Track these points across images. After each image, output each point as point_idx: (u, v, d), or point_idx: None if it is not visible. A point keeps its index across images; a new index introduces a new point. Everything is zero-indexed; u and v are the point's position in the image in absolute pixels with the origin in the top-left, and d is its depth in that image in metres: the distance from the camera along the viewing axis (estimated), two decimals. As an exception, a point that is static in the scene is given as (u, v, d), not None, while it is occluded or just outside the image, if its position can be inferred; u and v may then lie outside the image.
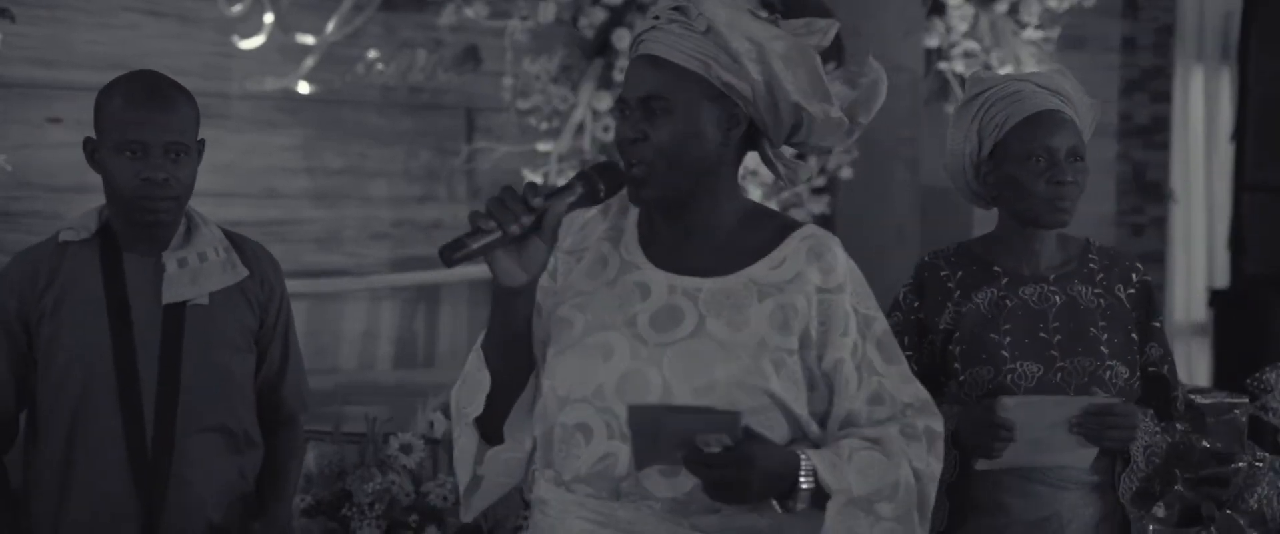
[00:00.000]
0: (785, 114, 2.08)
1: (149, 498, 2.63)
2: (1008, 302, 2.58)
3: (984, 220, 6.21)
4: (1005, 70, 5.94)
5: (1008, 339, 2.55)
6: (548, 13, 5.33)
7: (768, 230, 2.11)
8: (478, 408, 2.04)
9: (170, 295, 2.64)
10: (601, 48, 5.44)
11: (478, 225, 1.96)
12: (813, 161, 6.30)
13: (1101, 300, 2.60)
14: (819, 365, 2.05)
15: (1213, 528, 2.55)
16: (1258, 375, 2.79)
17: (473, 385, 2.06)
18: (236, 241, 2.74)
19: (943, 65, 6.01)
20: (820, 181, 5.72)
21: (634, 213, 2.13)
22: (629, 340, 2.03)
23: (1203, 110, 7.10)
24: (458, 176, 5.83)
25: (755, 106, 2.06)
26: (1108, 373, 2.54)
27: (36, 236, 2.87)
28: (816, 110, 2.09)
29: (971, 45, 5.98)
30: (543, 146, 5.46)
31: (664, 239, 2.09)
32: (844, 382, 2.05)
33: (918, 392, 2.10)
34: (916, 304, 2.62)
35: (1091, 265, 2.63)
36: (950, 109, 6.06)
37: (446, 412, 3.51)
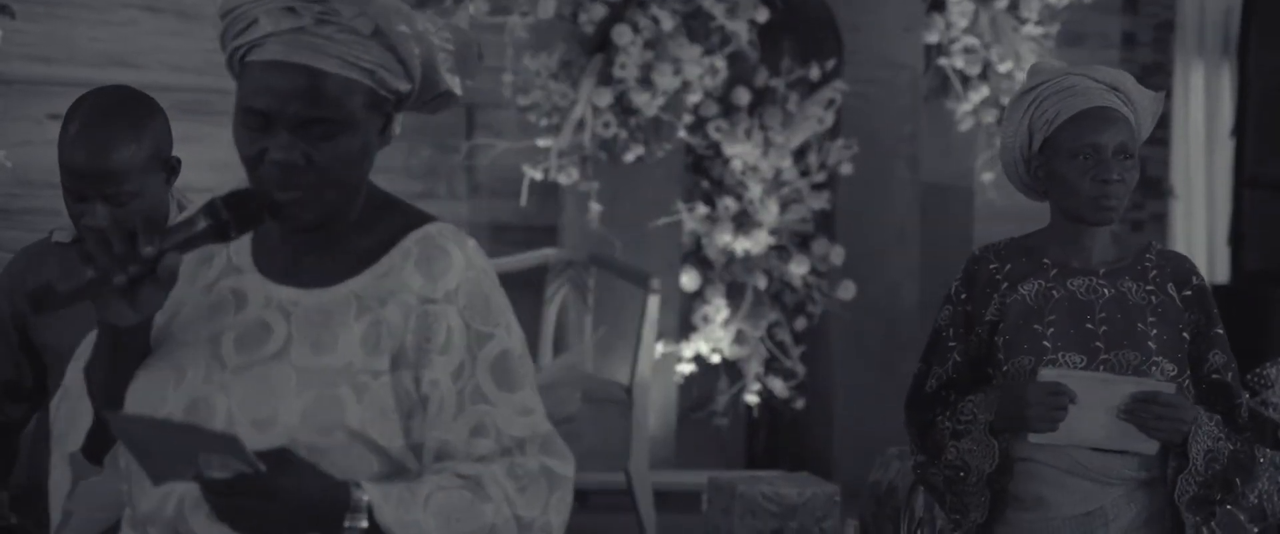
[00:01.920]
0: (428, 96, 1.89)
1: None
2: (1054, 292, 2.57)
3: (986, 219, 6.20)
4: (1004, 66, 5.93)
5: (1051, 329, 2.54)
6: (548, 9, 5.33)
7: (386, 231, 1.82)
8: (77, 441, 1.77)
9: (167, 293, 2.62)
10: (602, 44, 5.43)
11: (79, 269, 1.66)
12: (812, 158, 6.23)
13: (1152, 297, 2.57)
14: (417, 388, 1.74)
15: (1214, 523, 2.54)
16: (1258, 371, 2.79)
17: (73, 413, 1.79)
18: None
19: (942, 61, 6.00)
20: (820, 178, 5.71)
21: None
22: (206, 361, 1.74)
23: (1203, 106, 7.09)
24: (458, 173, 5.82)
25: (408, 99, 1.86)
26: (1153, 368, 2.52)
27: (36, 234, 2.87)
28: (455, 87, 1.92)
29: (971, 41, 5.97)
30: (543, 143, 5.45)
31: (274, 238, 1.79)
32: (437, 406, 1.73)
33: (537, 425, 1.76)
34: (964, 297, 2.61)
35: (1146, 263, 2.61)
36: (950, 105, 6.05)
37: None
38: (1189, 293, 2.60)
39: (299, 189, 1.74)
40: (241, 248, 1.81)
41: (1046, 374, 2.47)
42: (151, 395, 1.75)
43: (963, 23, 5.94)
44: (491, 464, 1.73)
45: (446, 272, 1.79)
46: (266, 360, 1.74)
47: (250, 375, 1.73)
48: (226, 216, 1.72)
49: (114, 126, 2.51)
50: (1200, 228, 7.13)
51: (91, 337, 1.81)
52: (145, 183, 2.52)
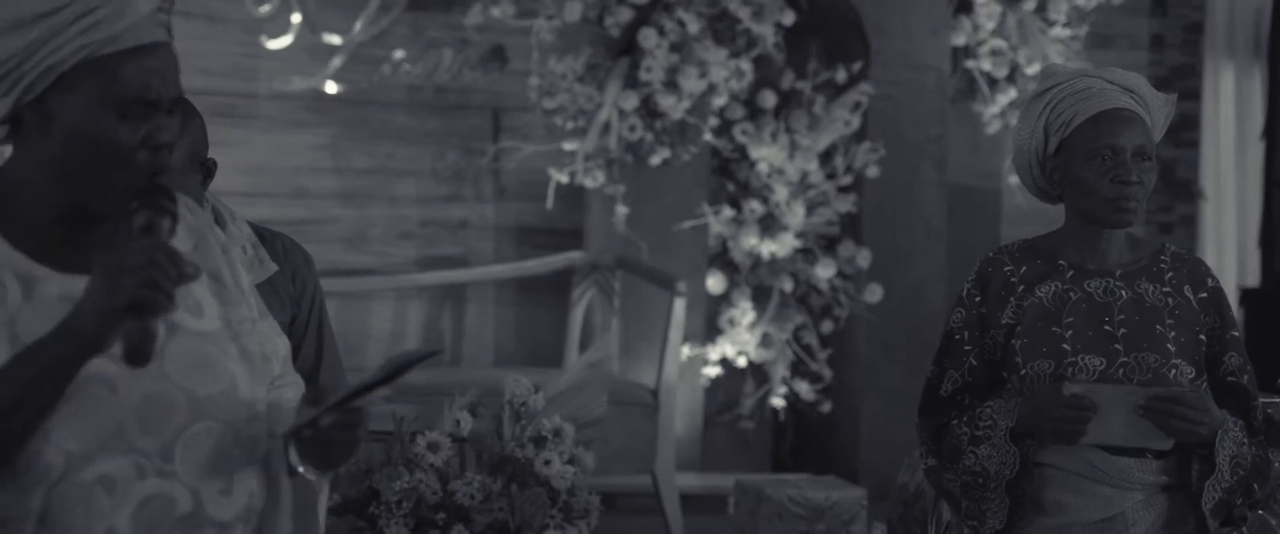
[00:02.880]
0: None
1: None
2: (1072, 294, 2.56)
3: (1013, 221, 6.19)
4: (1032, 69, 5.91)
5: (1070, 332, 2.53)
6: (573, 12, 5.33)
7: None
8: None
9: (199, 295, 2.64)
10: (627, 47, 5.44)
11: (152, 303, 1.64)
12: (838, 161, 6.20)
13: (1169, 299, 2.56)
14: None
15: (1244, 528, 2.53)
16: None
17: None
18: (265, 236, 2.73)
19: (970, 63, 5.99)
20: (846, 181, 5.71)
21: None
22: (109, 362, 1.67)
23: (1233, 108, 7.06)
24: (484, 176, 5.83)
25: None
26: (1172, 370, 2.51)
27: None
28: None
29: (999, 43, 5.95)
30: (569, 146, 5.46)
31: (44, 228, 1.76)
32: None
33: None
34: (979, 299, 2.60)
35: (1161, 265, 2.60)
36: (977, 107, 6.04)
37: (474, 411, 3.52)
38: (1205, 295, 2.59)
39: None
40: None
41: (1071, 387, 2.45)
42: (94, 412, 1.68)
43: (990, 25, 5.92)
44: None
45: None
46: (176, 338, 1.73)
47: (175, 356, 1.72)
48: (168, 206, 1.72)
49: None
50: (1230, 230, 7.10)
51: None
52: (183, 184, 2.54)
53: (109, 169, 1.70)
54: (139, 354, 1.62)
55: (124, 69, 1.69)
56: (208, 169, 2.64)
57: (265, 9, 5.44)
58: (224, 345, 1.76)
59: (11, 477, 1.65)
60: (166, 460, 1.71)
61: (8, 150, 1.78)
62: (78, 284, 1.68)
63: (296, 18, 5.50)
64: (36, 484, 1.66)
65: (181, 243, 1.78)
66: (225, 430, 1.75)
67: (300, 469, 1.79)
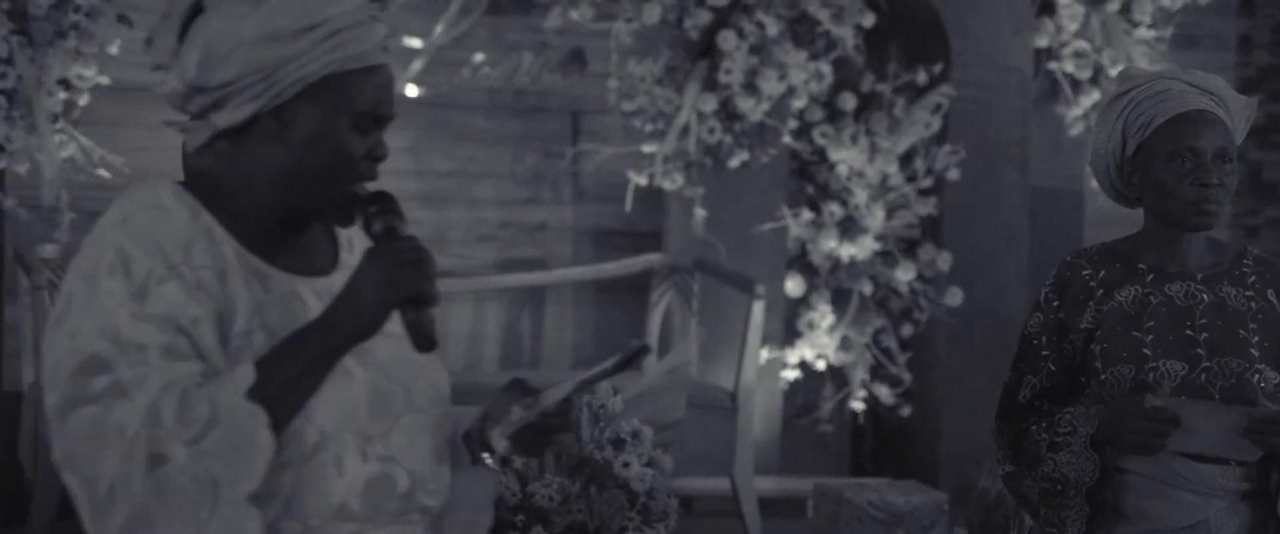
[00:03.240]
0: None
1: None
2: (1152, 298, 2.53)
3: (1097, 224, 6.11)
4: (1116, 71, 5.85)
5: (1151, 337, 2.50)
6: (652, 14, 5.34)
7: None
8: (255, 481, 1.72)
9: (281, 296, 2.67)
10: (706, 49, 5.43)
11: (430, 295, 1.82)
12: (919, 163, 6.20)
13: (1252, 303, 2.53)
14: None
15: None
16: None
17: (245, 454, 1.72)
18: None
19: (1052, 65, 5.93)
20: (927, 183, 5.67)
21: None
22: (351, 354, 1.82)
23: (1322, 109, 6.94)
24: (563, 179, 5.85)
25: None
26: (1255, 375, 2.47)
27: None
28: None
29: (1082, 45, 5.89)
30: (648, 148, 5.46)
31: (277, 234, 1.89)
32: None
33: None
34: (1057, 304, 2.57)
35: (1244, 268, 2.57)
36: (1059, 109, 5.98)
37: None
38: None
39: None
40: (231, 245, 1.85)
41: (1153, 400, 2.42)
42: (339, 397, 1.81)
43: (1073, 26, 5.86)
44: None
45: None
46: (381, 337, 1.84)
47: (381, 358, 1.86)
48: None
49: None
50: (1318, 234, 6.98)
51: (236, 370, 1.75)
52: None
53: (335, 177, 1.84)
54: (429, 340, 1.78)
55: (362, 85, 1.83)
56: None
57: (347, 13, 5.49)
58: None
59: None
60: (386, 446, 1.84)
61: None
62: (296, 282, 1.84)
63: (378, 21, 5.54)
64: (291, 462, 1.78)
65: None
66: (430, 422, 1.90)
67: (488, 461, 1.93)
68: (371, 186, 1.88)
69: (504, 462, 1.94)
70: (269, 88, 1.81)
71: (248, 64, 1.80)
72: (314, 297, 1.85)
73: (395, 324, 1.81)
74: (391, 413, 1.85)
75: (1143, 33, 5.92)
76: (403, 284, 1.77)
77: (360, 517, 1.82)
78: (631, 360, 1.88)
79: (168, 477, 1.68)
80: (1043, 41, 5.87)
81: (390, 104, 1.87)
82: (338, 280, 1.86)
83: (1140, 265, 2.56)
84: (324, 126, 1.82)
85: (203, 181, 1.86)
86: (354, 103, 1.83)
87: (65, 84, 4.75)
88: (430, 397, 1.90)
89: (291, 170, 1.83)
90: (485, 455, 1.94)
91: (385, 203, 1.85)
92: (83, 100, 4.80)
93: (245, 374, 1.74)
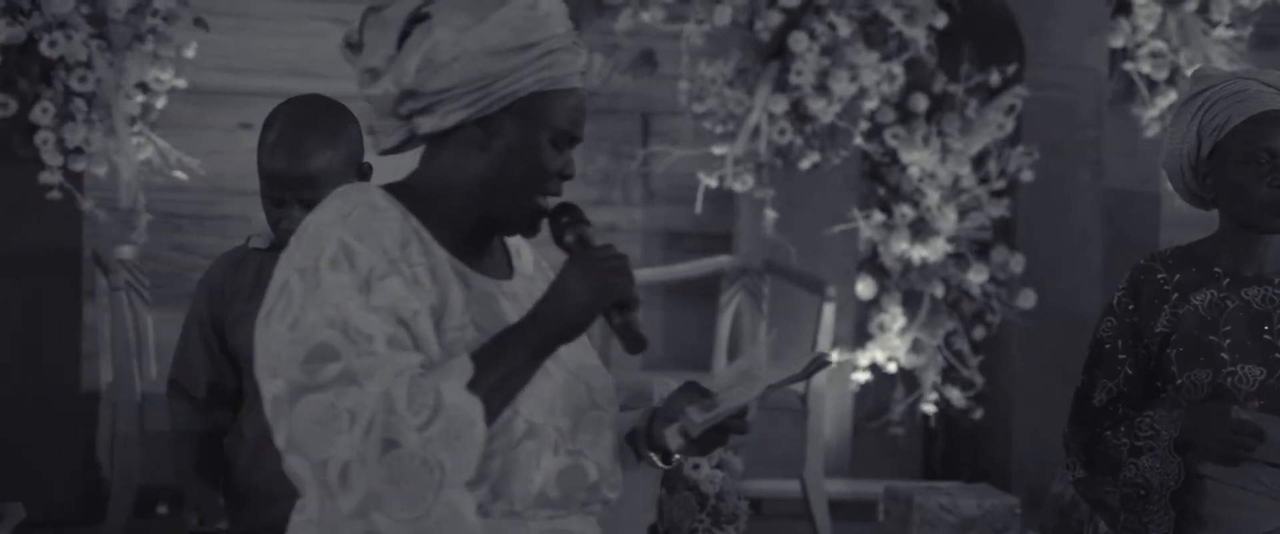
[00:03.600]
0: None
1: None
2: (1229, 302, 2.50)
3: (1173, 225, 6.04)
4: (1192, 71, 5.78)
5: (1228, 341, 2.47)
6: (723, 16, 5.33)
7: None
8: (472, 468, 1.83)
9: (354, 297, 2.69)
10: (778, 50, 5.42)
11: (635, 299, 1.94)
12: (992, 165, 6.18)
13: None
14: None
15: None
16: None
17: (465, 442, 1.81)
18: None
19: (1128, 66, 5.87)
20: (1000, 185, 5.63)
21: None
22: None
23: (1404, 110, 6.82)
24: (633, 180, 5.86)
25: None
26: None
27: (228, 240, 2.96)
28: None
29: (1158, 45, 5.83)
30: (718, 150, 5.46)
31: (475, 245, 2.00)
32: None
33: None
34: (1131, 308, 2.55)
35: None
36: (1135, 110, 5.92)
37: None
38: None
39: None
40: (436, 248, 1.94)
41: (1239, 413, 2.38)
42: (541, 392, 1.92)
43: (1150, 26, 5.80)
44: None
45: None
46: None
47: (566, 359, 1.97)
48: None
49: (312, 133, 2.60)
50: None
51: (454, 363, 1.84)
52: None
53: (530, 188, 1.94)
54: (640, 342, 1.90)
55: (564, 104, 1.93)
56: (363, 172, 2.69)
57: (419, 16, 5.53)
58: (590, 351, 2.05)
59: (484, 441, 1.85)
60: (574, 441, 1.95)
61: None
62: (488, 284, 1.94)
63: (450, 24, 5.58)
64: (500, 450, 1.88)
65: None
66: (609, 420, 2.00)
67: (656, 459, 2.02)
68: (552, 200, 1.97)
69: (667, 459, 2.03)
70: (482, 98, 1.89)
71: (466, 74, 1.88)
72: (505, 298, 1.95)
73: None
74: (579, 409, 1.96)
75: (1221, 32, 5.85)
76: (610, 290, 1.89)
77: (555, 504, 1.93)
78: (814, 370, 2.02)
79: (399, 460, 1.77)
80: (1118, 41, 5.81)
81: (582, 126, 1.96)
82: (519, 285, 1.99)
83: (1216, 269, 2.53)
84: (526, 140, 1.91)
85: (404, 186, 1.96)
86: (554, 121, 1.92)
87: (143, 87, 4.81)
88: (608, 396, 2.01)
89: (490, 179, 1.92)
90: (651, 454, 2.03)
91: (575, 214, 1.96)
92: (160, 103, 4.86)
93: (465, 367, 1.83)
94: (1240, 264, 2.53)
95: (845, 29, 5.33)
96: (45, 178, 4.71)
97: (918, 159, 5.56)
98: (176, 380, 2.78)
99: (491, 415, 1.84)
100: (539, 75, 1.90)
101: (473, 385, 1.82)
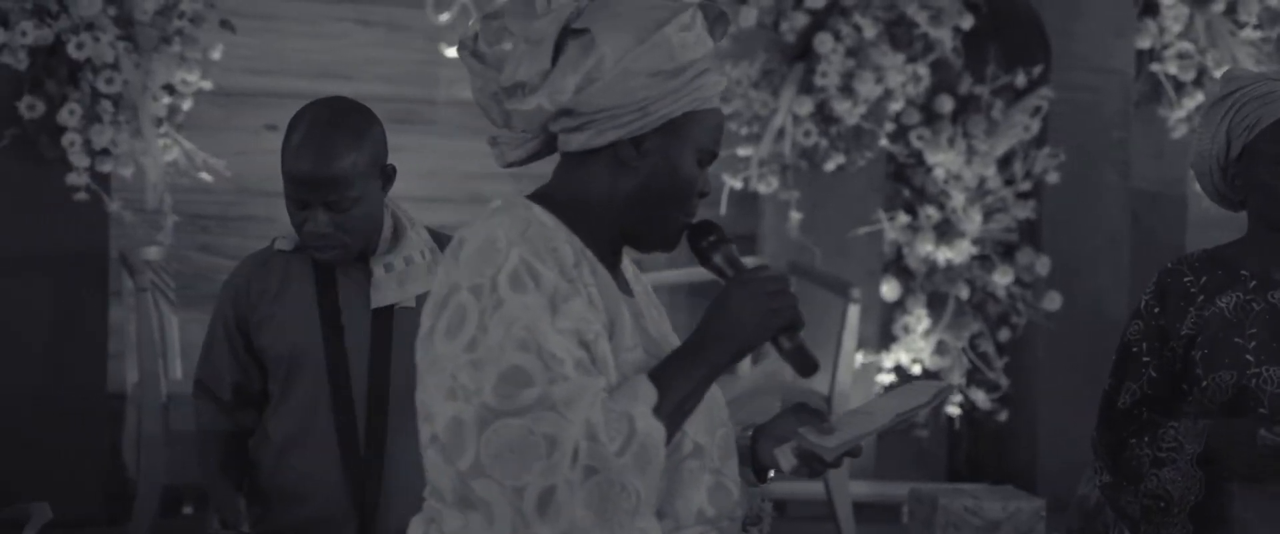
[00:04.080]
0: None
1: (362, 499, 2.69)
2: (1255, 305, 2.49)
3: (1200, 227, 6.00)
4: (1219, 72, 5.75)
5: (1253, 343, 2.46)
6: (749, 17, 5.33)
7: None
8: (657, 492, 1.87)
9: (378, 299, 2.70)
10: (803, 52, 5.41)
11: (802, 322, 1.95)
12: (1017, 166, 6.13)
13: None
14: None
15: None
16: None
17: (653, 466, 1.84)
18: (443, 241, 2.78)
19: (1155, 67, 5.84)
20: (1025, 186, 5.61)
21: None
22: None
23: None
24: (658, 181, 5.86)
25: None
26: None
27: (254, 241, 2.96)
28: None
29: (1186, 46, 5.80)
30: (743, 151, 5.45)
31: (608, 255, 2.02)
32: None
33: None
34: (1157, 311, 2.54)
35: None
36: (1162, 112, 5.89)
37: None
38: None
39: None
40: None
41: (1268, 439, 2.37)
42: (701, 412, 1.93)
43: (1177, 27, 5.77)
44: None
45: None
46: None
47: None
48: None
49: (336, 135, 2.60)
50: None
51: (638, 386, 1.85)
52: (365, 189, 2.61)
53: (673, 206, 1.95)
54: (813, 364, 1.90)
55: (711, 125, 1.96)
56: (387, 174, 2.70)
57: (445, 17, 5.53)
58: None
59: None
60: (710, 457, 1.96)
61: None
62: (631, 302, 1.95)
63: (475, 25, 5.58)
64: (668, 470, 1.90)
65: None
66: (733, 434, 2.02)
67: (749, 474, 2.03)
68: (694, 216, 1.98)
69: (760, 475, 2.03)
70: (639, 119, 1.90)
71: (629, 94, 1.89)
72: (635, 316, 1.96)
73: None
74: (713, 425, 1.98)
75: (1248, 34, 5.82)
76: (778, 314, 1.89)
77: (710, 522, 1.94)
78: (941, 399, 2.01)
79: (599, 487, 1.79)
80: (1145, 43, 5.78)
81: (720, 144, 1.99)
82: (640, 301, 1.99)
83: (1243, 271, 2.52)
84: (675, 158, 1.92)
85: (554, 201, 1.95)
86: (700, 139, 1.94)
87: (169, 89, 4.83)
88: (729, 413, 2.03)
89: (637, 196, 1.93)
90: (750, 471, 2.03)
91: (719, 233, 1.97)
92: (186, 105, 4.88)
93: (649, 392, 1.85)
94: (1267, 266, 2.52)
95: (871, 30, 5.32)
96: (72, 179, 4.73)
97: (943, 160, 5.54)
98: (202, 381, 2.78)
99: (668, 439, 1.86)
100: (693, 95, 1.92)
101: (657, 410, 1.84)
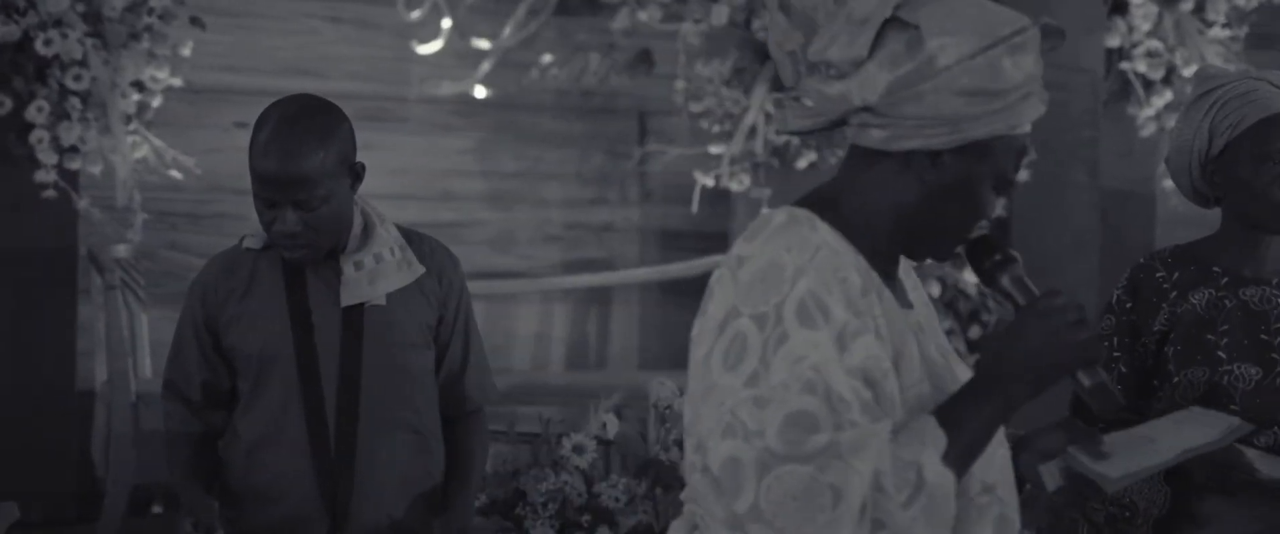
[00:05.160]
0: None
1: (334, 499, 2.68)
2: (1227, 302, 2.50)
3: (1169, 224, 6.04)
4: (1189, 71, 5.78)
5: (1225, 340, 2.47)
6: (721, 15, 5.33)
7: None
8: None
9: (348, 298, 2.69)
10: (774, 50, 5.42)
11: (1101, 355, 1.84)
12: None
13: None
14: None
15: None
16: None
17: (941, 518, 1.74)
18: (413, 239, 2.77)
19: (1124, 65, 5.87)
20: (996, 184, 5.63)
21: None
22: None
23: (1400, 110, 6.83)
24: (630, 179, 5.85)
25: None
26: None
27: (224, 238, 2.95)
28: None
29: (1155, 44, 5.82)
30: (715, 149, 5.46)
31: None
32: None
33: None
34: (1129, 306, 2.55)
35: None
36: (1131, 110, 5.91)
37: (619, 413, 3.53)
38: None
39: None
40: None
41: (1252, 454, 2.38)
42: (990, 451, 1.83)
43: (1146, 25, 5.80)
44: None
45: None
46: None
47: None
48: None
49: (304, 134, 2.58)
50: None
51: (926, 430, 1.75)
52: (334, 188, 2.60)
53: (960, 228, 1.82)
54: (1115, 404, 1.79)
55: (1010, 150, 1.81)
56: (356, 172, 2.68)
57: (416, 15, 5.52)
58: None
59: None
60: (997, 494, 1.84)
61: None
62: (908, 319, 1.82)
63: (447, 23, 5.57)
64: (958, 509, 1.76)
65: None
66: (1007, 456, 1.90)
67: (1027, 487, 1.96)
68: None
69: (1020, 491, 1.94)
70: (948, 134, 1.76)
71: (942, 109, 1.74)
72: (921, 334, 1.85)
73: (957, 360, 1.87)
74: (1002, 460, 1.87)
75: (1217, 32, 5.85)
76: (1082, 348, 1.77)
77: None
78: (1235, 436, 1.90)
79: None
80: (1114, 41, 5.80)
81: (1018, 170, 1.85)
82: (920, 315, 1.87)
83: (1215, 268, 2.53)
84: (971, 181, 1.79)
85: (823, 202, 1.82)
86: (1001, 165, 1.80)
87: (138, 86, 4.80)
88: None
89: (922, 212, 1.80)
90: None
91: (1006, 252, 1.86)
92: (156, 102, 4.85)
93: (938, 437, 1.73)
94: (1240, 264, 2.53)
95: (841, 28, 5.33)
96: (40, 176, 4.70)
97: (914, 159, 5.56)
98: (171, 382, 2.77)
99: (965, 469, 1.75)
100: (1005, 121, 1.78)
101: (945, 457, 1.72)
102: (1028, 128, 1.83)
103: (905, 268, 1.91)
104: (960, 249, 1.86)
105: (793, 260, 1.72)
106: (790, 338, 1.68)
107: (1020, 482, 1.91)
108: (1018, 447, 1.92)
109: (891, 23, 1.76)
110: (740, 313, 1.72)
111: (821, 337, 1.69)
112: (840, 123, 1.80)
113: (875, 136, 1.78)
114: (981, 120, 1.76)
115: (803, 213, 1.78)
